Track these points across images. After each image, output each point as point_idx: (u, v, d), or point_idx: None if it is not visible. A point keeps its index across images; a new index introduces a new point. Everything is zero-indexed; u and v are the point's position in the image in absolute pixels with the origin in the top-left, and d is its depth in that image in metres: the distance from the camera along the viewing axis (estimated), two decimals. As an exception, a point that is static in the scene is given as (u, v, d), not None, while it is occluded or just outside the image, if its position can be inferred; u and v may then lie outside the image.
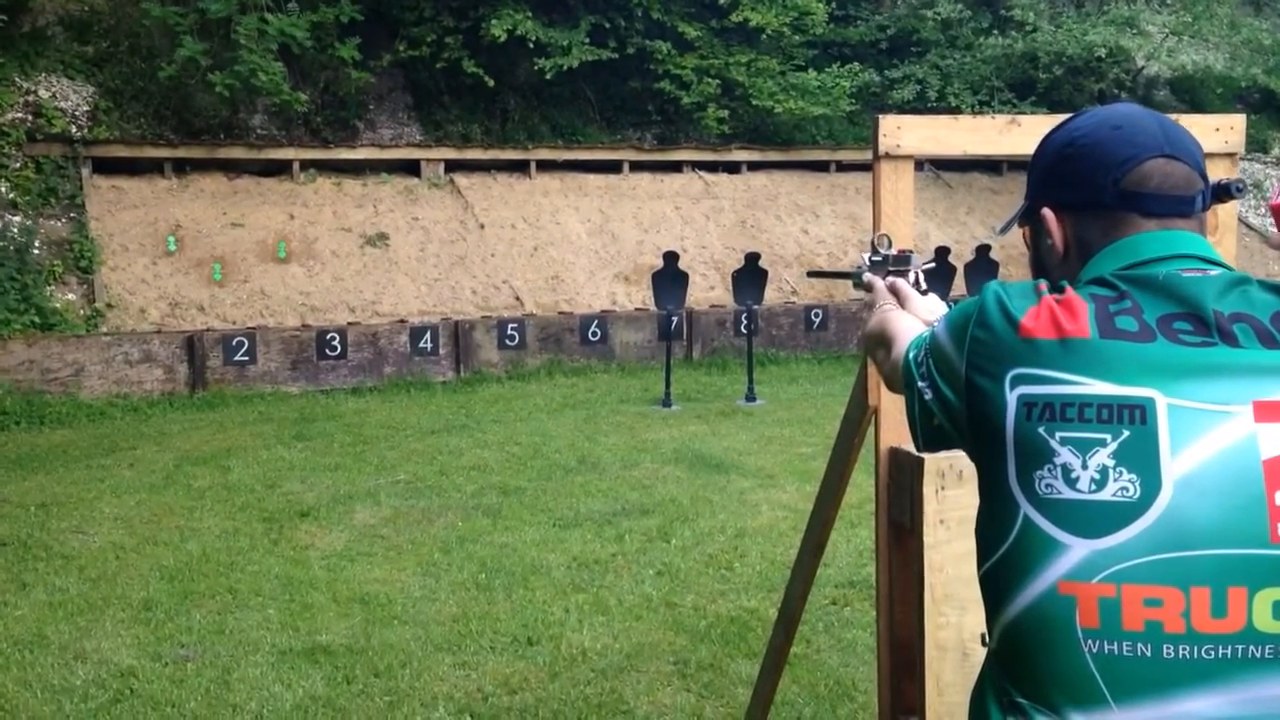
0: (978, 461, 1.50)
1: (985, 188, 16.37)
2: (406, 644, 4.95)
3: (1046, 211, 1.57)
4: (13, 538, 6.59)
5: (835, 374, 12.15)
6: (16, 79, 12.90)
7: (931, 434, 1.57)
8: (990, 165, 16.55)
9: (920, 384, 1.55)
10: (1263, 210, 16.64)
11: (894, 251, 2.11)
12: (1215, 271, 1.46)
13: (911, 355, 1.59)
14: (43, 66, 13.22)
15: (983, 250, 12.40)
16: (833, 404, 9.84)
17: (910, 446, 2.53)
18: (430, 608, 5.40)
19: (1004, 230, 1.78)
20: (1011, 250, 14.69)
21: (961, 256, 12.91)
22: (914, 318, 1.85)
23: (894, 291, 2.00)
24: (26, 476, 8.10)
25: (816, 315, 13.40)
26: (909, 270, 2.05)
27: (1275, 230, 1.52)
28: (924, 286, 2.02)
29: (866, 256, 2.12)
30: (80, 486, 7.76)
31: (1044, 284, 1.48)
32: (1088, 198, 1.51)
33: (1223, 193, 1.53)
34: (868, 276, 2.07)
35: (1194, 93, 18.06)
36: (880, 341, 1.83)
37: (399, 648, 4.91)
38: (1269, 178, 17.23)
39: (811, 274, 2.67)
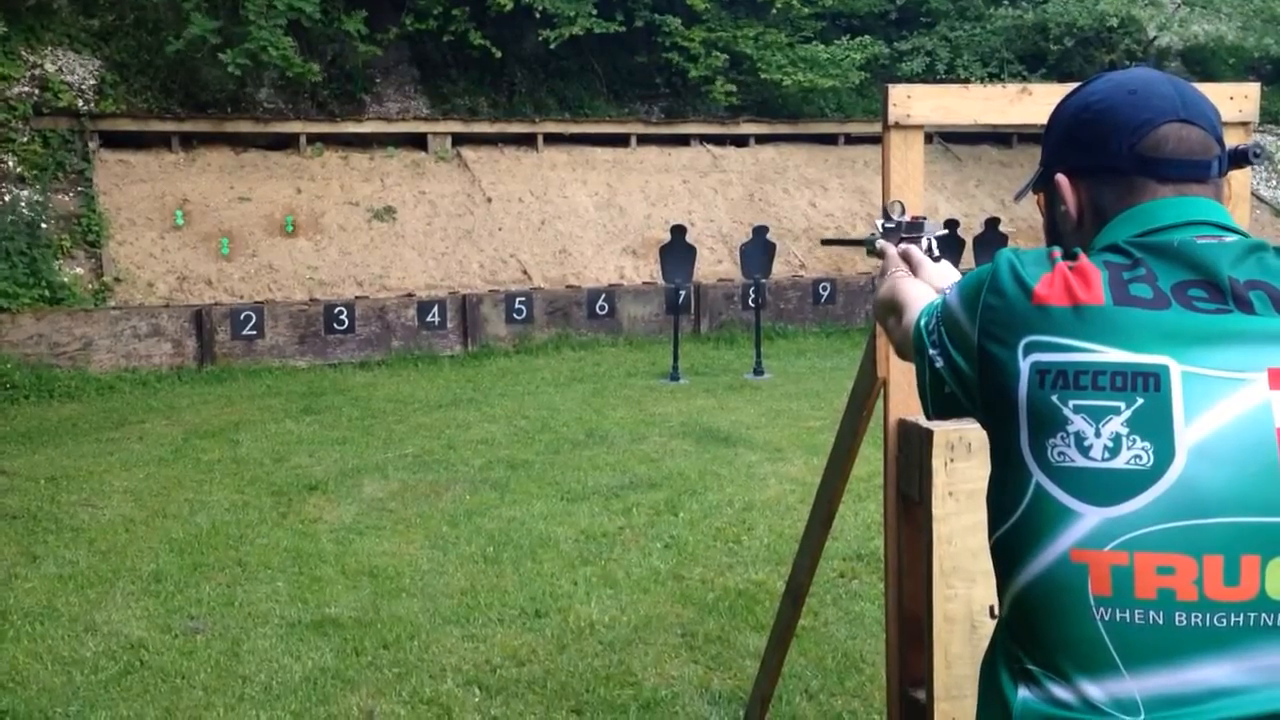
0: (989, 429, 1.48)
1: (995, 160, 16.28)
2: (415, 616, 4.96)
3: (1061, 177, 1.55)
4: (23, 511, 6.62)
5: (843, 347, 12.12)
6: (23, 52, 12.88)
7: (942, 402, 1.56)
8: (1000, 137, 16.45)
9: (931, 351, 1.54)
10: (1274, 182, 16.54)
11: (907, 219, 2.09)
12: (1231, 238, 1.44)
13: (923, 322, 1.58)
14: (49, 40, 13.19)
15: (992, 223, 12.34)
16: (840, 377, 9.82)
17: (919, 419, 2.53)
18: (438, 580, 5.41)
19: (1019, 196, 1.77)
20: (1021, 223, 14.63)
21: (970, 229, 12.85)
22: (926, 285, 1.84)
23: (906, 259, 1.98)
24: (36, 450, 8.13)
25: (824, 289, 13.37)
26: (922, 237, 2.03)
27: None
28: (937, 253, 2.00)
29: (879, 223, 2.10)
30: (89, 460, 7.78)
31: (1057, 251, 1.46)
32: (1102, 163, 1.50)
33: (1240, 158, 1.51)
34: (880, 243, 2.05)
35: (1206, 63, 17.93)
36: (891, 308, 1.81)
37: (407, 620, 4.92)
38: (1281, 150, 17.10)
39: (825, 242, 2.65)
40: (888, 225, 2.09)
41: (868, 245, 2.14)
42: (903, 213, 2.11)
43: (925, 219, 2.09)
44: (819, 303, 13.36)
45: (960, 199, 15.35)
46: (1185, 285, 1.39)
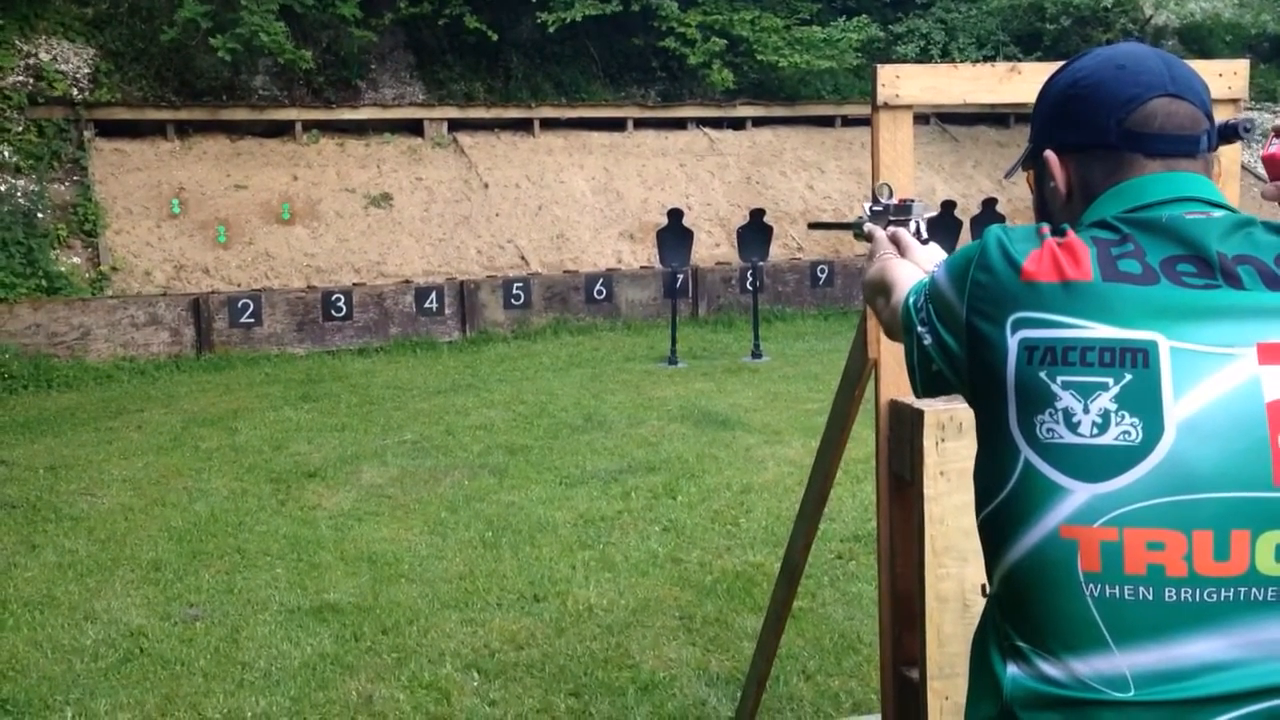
0: (977, 407, 1.48)
1: (992, 141, 16.24)
2: (414, 602, 4.97)
3: (1050, 153, 1.54)
4: (22, 500, 6.62)
5: (841, 330, 12.11)
6: (17, 42, 12.84)
7: (930, 380, 1.55)
8: (997, 118, 16.41)
9: (920, 329, 1.53)
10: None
11: (894, 201, 2.08)
12: (1219, 213, 1.43)
13: (911, 301, 1.57)
14: (43, 29, 13.15)
15: (989, 203, 12.33)
16: (838, 359, 9.78)
17: (910, 399, 2.53)
18: (437, 566, 5.42)
19: (1009, 174, 1.76)
20: (1019, 203, 14.61)
21: (968, 210, 12.83)
22: (914, 266, 1.83)
23: (894, 241, 1.97)
24: (35, 439, 8.13)
25: (822, 271, 13.35)
26: (910, 219, 2.02)
27: (1269, 181, 1.49)
28: (925, 235, 1.99)
29: (868, 206, 2.09)
30: (88, 449, 7.78)
31: (1046, 227, 1.45)
32: (1091, 139, 1.49)
33: (1230, 133, 1.50)
34: (868, 226, 2.04)
35: (1203, 41, 17.87)
36: (880, 289, 1.81)
37: (406, 605, 4.93)
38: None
39: (813, 225, 2.63)
40: (875, 208, 2.08)
41: (856, 229, 2.13)
42: (890, 195, 2.10)
43: (914, 201, 2.08)
44: (817, 285, 13.35)
45: (958, 180, 15.32)
46: (1174, 261, 1.39)
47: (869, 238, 2.03)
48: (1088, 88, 1.49)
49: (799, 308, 13.18)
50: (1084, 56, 1.56)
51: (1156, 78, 1.46)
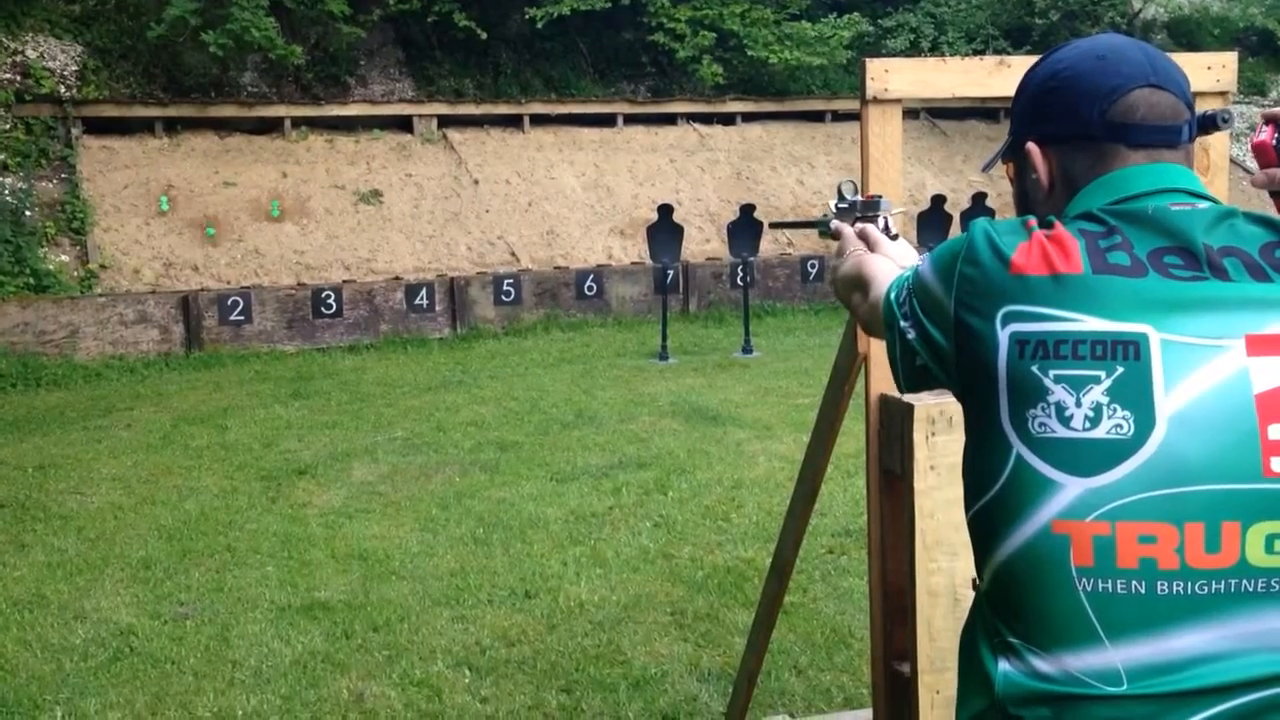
0: (966, 402, 1.47)
1: (982, 135, 16.25)
2: (405, 599, 4.97)
3: (1031, 145, 1.53)
4: (11, 499, 6.60)
5: (832, 325, 12.11)
6: (3, 39, 12.79)
7: (914, 375, 1.54)
8: (987, 112, 16.42)
9: (903, 324, 1.52)
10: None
11: (860, 198, 2.08)
12: (1203, 205, 1.43)
13: (892, 295, 1.56)
14: (29, 26, 13.11)
15: (978, 198, 12.34)
16: (829, 354, 9.78)
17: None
18: (428, 563, 5.41)
19: (988, 166, 1.75)
20: (1008, 197, 14.56)
21: (958, 204, 12.84)
22: (888, 260, 1.82)
23: (863, 237, 1.95)
24: (23, 438, 8.11)
25: (813, 266, 13.35)
26: (878, 215, 2.01)
27: (1258, 169, 1.49)
28: (894, 231, 1.98)
29: (833, 204, 2.09)
30: (77, 448, 7.76)
31: (1033, 220, 1.44)
32: (1073, 130, 1.48)
33: (1208, 124, 1.50)
34: (835, 224, 2.03)
35: (1191, 35, 17.91)
36: (855, 284, 1.79)
37: (397, 603, 4.92)
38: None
39: (774, 225, 2.61)
40: (841, 205, 2.07)
41: (821, 227, 2.12)
42: (855, 192, 2.10)
43: (880, 197, 2.07)
44: (807, 280, 13.35)
45: (948, 174, 15.33)
46: (1161, 252, 1.38)
47: (836, 235, 2.01)
48: (1069, 79, 1.49)
49: (789, 303, 13.19)
50: (1063, 48, 1.55)
51: (1138, 68, 1.46)
